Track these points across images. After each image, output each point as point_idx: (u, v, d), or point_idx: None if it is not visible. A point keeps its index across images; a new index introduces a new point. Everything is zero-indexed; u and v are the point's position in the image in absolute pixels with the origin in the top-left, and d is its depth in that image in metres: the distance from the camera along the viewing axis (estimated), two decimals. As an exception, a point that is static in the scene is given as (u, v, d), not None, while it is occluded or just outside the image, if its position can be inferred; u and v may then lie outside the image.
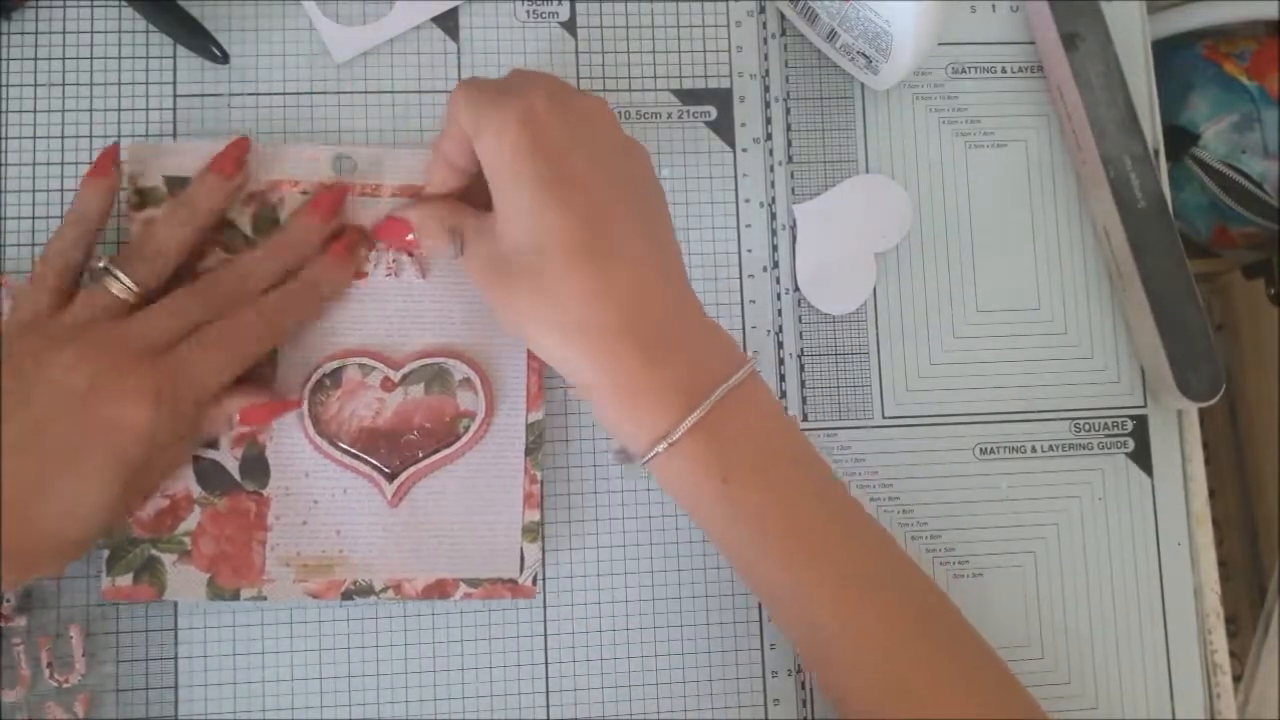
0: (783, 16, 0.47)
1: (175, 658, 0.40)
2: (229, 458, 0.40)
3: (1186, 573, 0.46)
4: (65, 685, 0.39)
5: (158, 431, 0.35)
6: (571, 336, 0.35)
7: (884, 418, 0.45)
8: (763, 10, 0.47)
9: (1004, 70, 0.48)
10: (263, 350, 0.39)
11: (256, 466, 0.40)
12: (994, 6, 0.49)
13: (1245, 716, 0.58)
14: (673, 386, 0.35)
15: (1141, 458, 0.47)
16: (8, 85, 0.42)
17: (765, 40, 0.47)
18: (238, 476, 0.40)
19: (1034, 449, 0.46)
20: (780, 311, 0.45)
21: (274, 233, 0.41)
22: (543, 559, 0.42)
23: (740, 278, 0.45)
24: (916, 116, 0.47)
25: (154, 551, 0.39)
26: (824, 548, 0.36)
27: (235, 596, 0.40)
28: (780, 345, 0.45)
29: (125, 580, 0.39)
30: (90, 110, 0.42)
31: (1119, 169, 0.46)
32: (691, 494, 0.36)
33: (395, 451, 0.41)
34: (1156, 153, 0.48)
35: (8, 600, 0.39)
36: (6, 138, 0.42)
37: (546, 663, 0.42)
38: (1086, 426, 0.47)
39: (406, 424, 0.41)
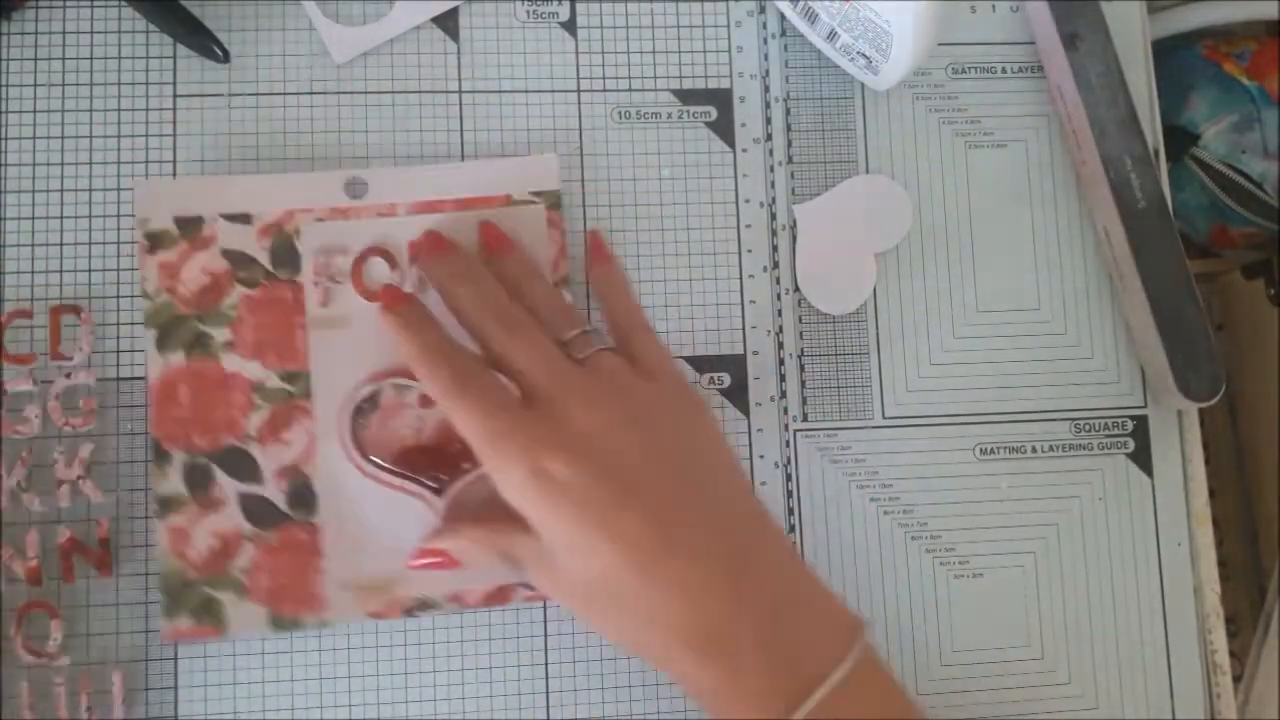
0: (783, 17, 0.47)
1: (175, 658, 0.40)
2: (275, 491, 0.40)
3: (1186, 573, 0.46)
4: None
5: None
6: (670, 648, 0.34)
7: (884, 418, 0.45)
8: (763, 10, 0.47)
9: (1004, 70, 0.48)
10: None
11: (303, 496, 0.40)
12: (994, 6, 0.49)
13: (1245, 716, 0.58)
14: (769, 690, 0.33)
15: (1142, 458, 0.47)
16: (8, 85, 0.42)
17: (765, 40, 0.47)
18: (286, 509, 0.40)
19: (1034, 449, 0.46)
20: (780, 311, 0.45)
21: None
22: None
23: (740, 278, 0.45)
24: (916, 117, 0.47)
25: (211, 591, 0.40)
26: None
27: (298, 626, 0.40)
28: (780, 345, 0.45)
29: (185, 622, 0.39)
30: (90, 110, 0.42)
31: (1119, 169, 0.46)
32: None
33: (441, 466, 0.41)
34: (1156, 153, 0.48)
35: (54, 640, 0.39)
36: (6, 138, 0.42)
37: (546, 663, 0.42)
38: (1086, 427, 0.47)
39: (449, 438, 0.41)
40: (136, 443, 0.41)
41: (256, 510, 0.40)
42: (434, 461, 0.41)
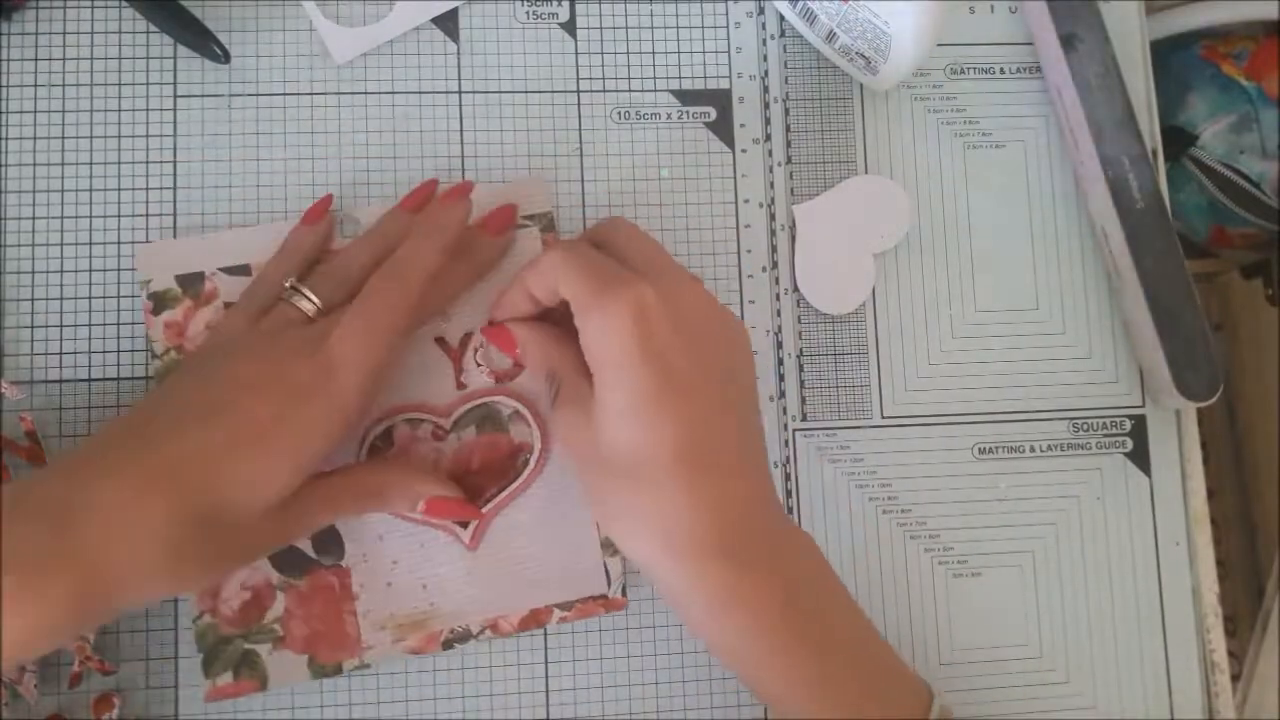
0: (782, 17, 0.47)
1: (175, 658, 0.40)
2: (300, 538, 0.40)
3: (1185, 572, 0.46)
4: None
5: (320, 423, 0.36)
6: (667, 545, 0.35)
7: (883, 417, 0.46)
8: (762, 11, 0.47)
9: (1002, 71, 0.48)
10: (403, 315, 0.38)
11: (329, 541, 0.41)
12: (993, 7, 0.49)
13: (1244, 716, 0.58)
14: (767, 594, 0.35)
15: (1140, 458, 0.47)
16: (8, 85, 0.42)
17: (764, 41, 0.47)
18: (313, 554, 0.40)
19: (1032, 449, 0.46)
20: (779, 311, 0.46)
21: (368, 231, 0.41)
22: (624, 568, 0.42)
23: (740, 278, 0.45)
24: (915, 117, 0.47)
25: (247, 645, 0.40)
26: None
27: (339, 671, 0.40)
28: (780, 345, 0.45)
29: (226, 678, 0.39)
30: (90, 110, 0.43)
31: (1117, 169, 0.46)
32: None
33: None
34: (1155, 153, 0.48)
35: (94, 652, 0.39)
36: (6, 138, 0.42)
37: (546, 662, 0.42)
38: (1085, 426, 0.47)
39: (466, 467, 0.41)
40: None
41: (284, 558, 0.40)
42: None
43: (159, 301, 0.41)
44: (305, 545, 0.40)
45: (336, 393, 0.36)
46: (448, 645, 0.41)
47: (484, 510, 0.41)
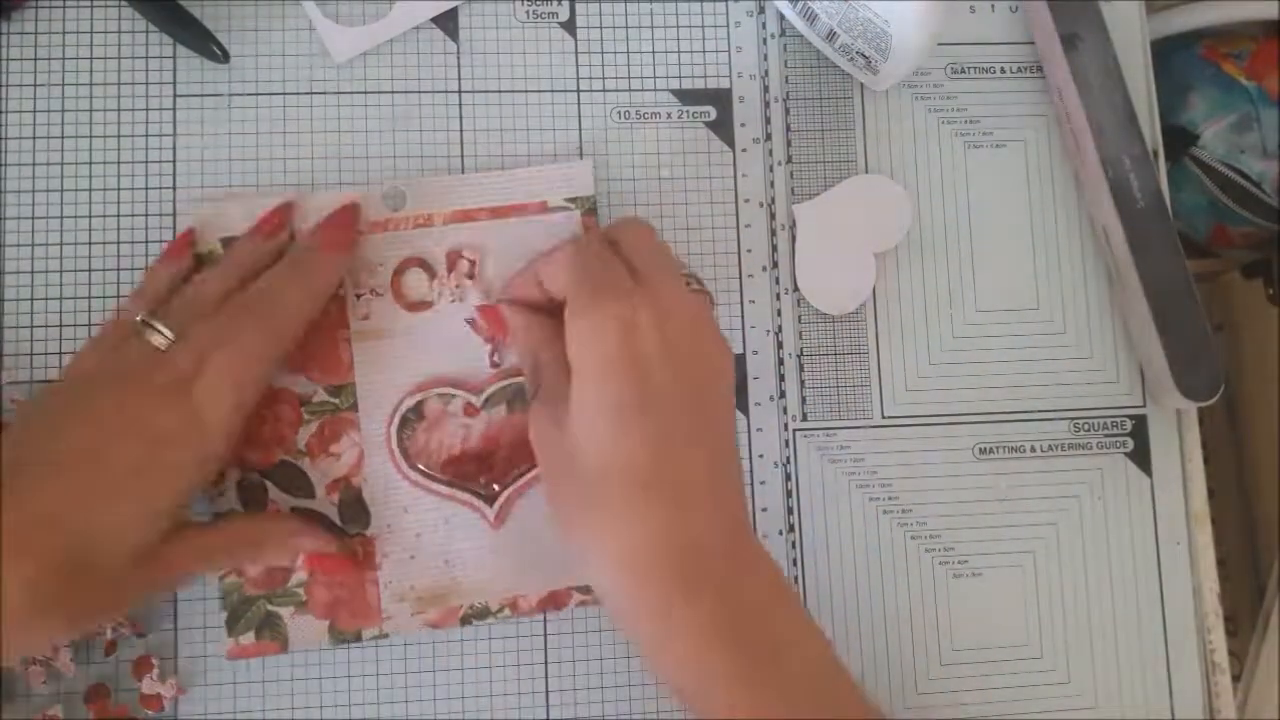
0: (782, 17, 0.47)
1: (175, 657, 0.40)
2: (327, 505, 0.41)
3: (1185, 572, 0.46)
4: None
5: (186, 469, 0.35)
6: (618, 564, 0.34)
7: (883, 417, 0.46)
8: (762, 10, 0.47)
9: (1003, 70, 0.48)
10: (262, 340, 0.38)
11: (355, 509, 0.41)
12: (993, 7, 0.49)
13: (1244, 716, 0.58)
14: (710, 624, 0.34)
15: (1140, 457, 0.47)
16: (8, 85, 0.42)
17: (765, 40, 0.47)
18: (339, 522, 0.41)
19: (1033, 449, 0.46)
20: (780, 311, 0.45)
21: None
22: None
23: (740, 278, 0.45)
24: (916, 117, 0.47)
25: (270, 607, 0.40)
26: None
27: (358, 639, 0.40)
28: (780, 345, 0.45)
29: (248, 638, 0.40)
30: (90, 110, 0.42)
31: (1118, 169, 0.46)
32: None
33: (490, 474, 0.41)
34: (1155, 153, 0.48)
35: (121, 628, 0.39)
36: (6, 138, 0.42)
37: (546, 662, 0.42)
38: (1085, 426, 0.47)
39: (495, 445, 0.42)
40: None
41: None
42: (482, 468, 0.41)
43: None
44: (331, 513, 0.41)
45: (203, 439, 0.35)
46: (466, 621, 0.41)
47: (509, 491, 0.41)
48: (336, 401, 0.41)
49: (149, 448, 0.34)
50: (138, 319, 0.37)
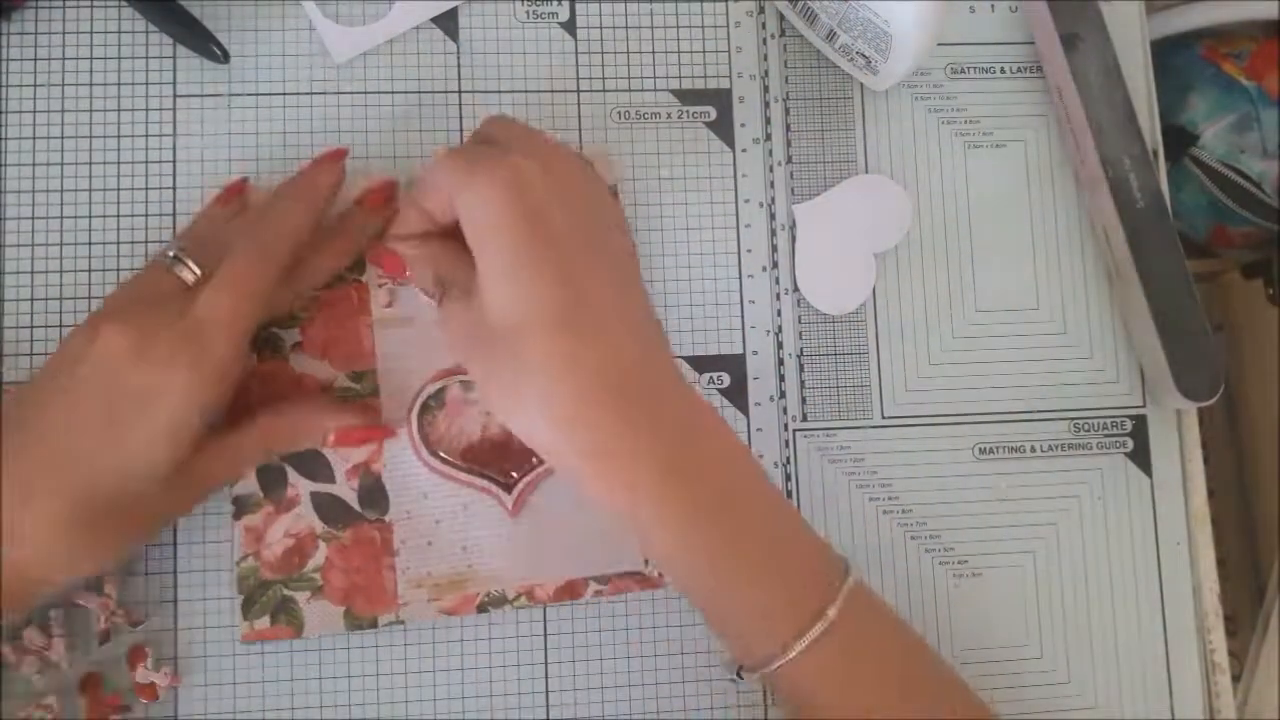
0: (782, 17, 0.47)
1: (175, 657, 0.40)
2: (346, 489, 0.41)
3: (1185, 572, 0.46)
4: None
5: (192, 391, 0.36)
6: (547, 409, 0.34)
7: (883, 418, 0.46)
8: (762, 11, 0.47)
9: (1003, 70, 0.48)
10: (257, 247, 0.38)
11: (375, 495, 0.41)
12: (993, 6, 0.49)
13: (1244, 716, 0.58)
14: (647, 451, 0.34)
15: (1140, 457, 0.47)
16: (8, 85, 0.42)
17: (765, 41, 0.47)
18: (358, 507, 0.41)
19: (1033, 449, 0.46)
20: (780, 311, 0.45)
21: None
22: None
23: (740, 278, 0.45)
24: (916, 117, 0.47)
25: (286, 591, 0.40)
26: None
27: (373, 625, 0.40)
28: (780, 345, 0.45)
29: (263, 623, 0.40)
30: (90, 110, 0.42)
31: (1118, 169, 0.46)
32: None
33: (509, 462, 0.41)
34: (1155, 153, 0.48)
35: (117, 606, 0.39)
36: (6, 138, 0.42)
37: (546, 662, 0.42)
38: (1085, 426, 0.47)
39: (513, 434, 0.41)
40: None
41: (329, 509, 0.41)
42: (501, 456, 0.42)
43: None
44: (350, 498, 0.41)
45: (204, 358, 0.36)
46: (482, 609, 0.41)
47: (528, 479, 0.41)
48: (358, 388, 0.41)
49: (152, 374, 0.35)
50: (170, 253, 0.38)
